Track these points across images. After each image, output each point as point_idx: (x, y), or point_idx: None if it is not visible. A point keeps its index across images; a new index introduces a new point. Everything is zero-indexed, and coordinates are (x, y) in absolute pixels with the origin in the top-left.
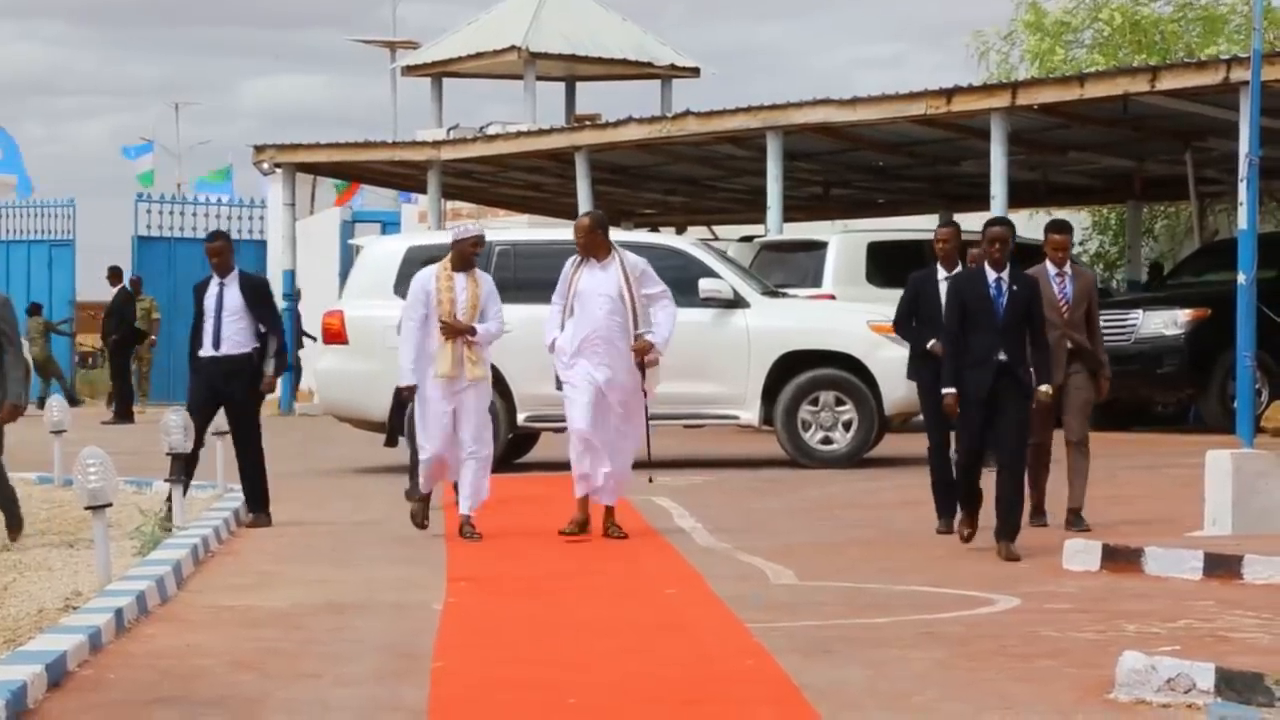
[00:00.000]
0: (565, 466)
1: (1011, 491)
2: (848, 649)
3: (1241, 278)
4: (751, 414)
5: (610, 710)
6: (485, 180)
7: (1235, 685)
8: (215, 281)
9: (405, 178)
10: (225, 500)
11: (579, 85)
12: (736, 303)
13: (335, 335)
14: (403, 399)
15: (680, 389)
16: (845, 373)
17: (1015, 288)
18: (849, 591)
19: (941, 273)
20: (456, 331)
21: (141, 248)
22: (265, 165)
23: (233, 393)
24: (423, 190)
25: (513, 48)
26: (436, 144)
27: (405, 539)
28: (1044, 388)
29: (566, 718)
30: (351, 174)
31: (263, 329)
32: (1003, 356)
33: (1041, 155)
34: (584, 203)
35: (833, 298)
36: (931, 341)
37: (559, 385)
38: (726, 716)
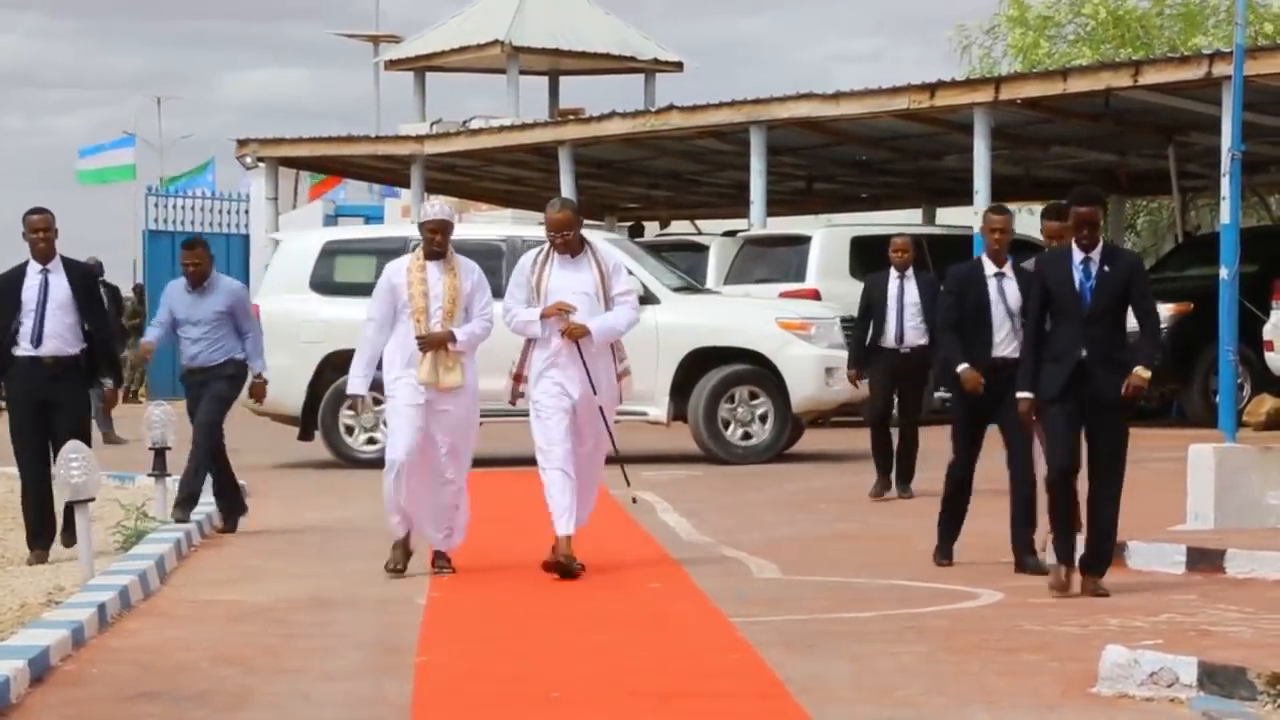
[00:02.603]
0: (535, 461)
1: (1107, 518)
2: (831, 643)
3: (1224, 272)
4: (660, 410)
5: (593, 704)
6: (468, 174)
7: (1218, 679)
8: (36, 269)
9: (388, 172)
10: (209, 494)
11: (562, 79)
12: (646, 299)
13: None
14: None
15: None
16: (757, 367)
17: (1107, 268)
18: (832, 586)
19: (990, 268)
20: (435, 344)
21: (152, 241)
22: (248, 159)
23: (59, 399)
24: (406, 184)
25: (496, 42)
26: (420, 138)
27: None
28: (1139, 369)
29: (550, 711)
30: (334, 168)
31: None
32: (1087, 351)
33: (1024, 150)
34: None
35: (817, 292)
36: (963, 366)
37: (514, 400)
38: (710, 711)
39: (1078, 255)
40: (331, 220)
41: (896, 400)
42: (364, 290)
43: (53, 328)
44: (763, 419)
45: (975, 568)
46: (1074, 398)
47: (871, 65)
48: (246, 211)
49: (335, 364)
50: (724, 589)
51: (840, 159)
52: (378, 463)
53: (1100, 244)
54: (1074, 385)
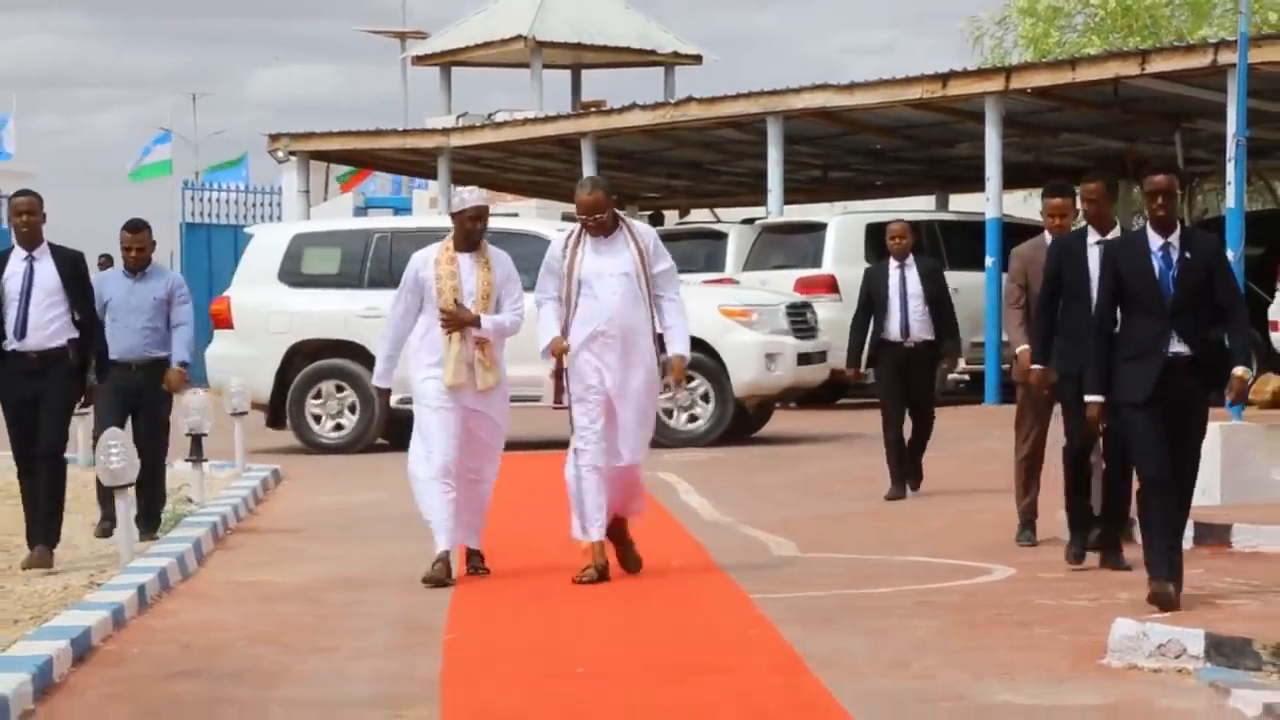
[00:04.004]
0: (543, 445)
1: (1180, 524)
2: (848, 618)
3: (1230, 255)
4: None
5: (617, 677)
6: (494, 166)
7: (1224, 650)
8: (20, 255)
9: (416, 164)
10: (244, 479)
11: (584, 73)
12: None
13: (222, 321)
14: (384, 402)
15: (529, 371)
16: (698, 354)
17: (1189, 254)
18: (849, 562)
19: (1093, 236)
20: (459, 322)
21: (188, 234)
22: (280, 153)
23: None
24: (433, 176)
25: (519, 37)
26: (446, 131)
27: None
28: (1239, 370)
29: (575, 685)
30: (364, 161)
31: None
32: (1175, 349)
33: (1035, 137)
34: None
35: (833, 278)
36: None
37: (558, 399)
38: (729, 684)
39: (1155, 241)
40: (361, 211)
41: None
42: (329, 282)
43: (38, 319)
44: (704, 399)
45: (988, 544)
46: (1161, 401)
47: (885, 56)
48: (279, 204)
49: (303, 352)
50: (743, 566)
51: (855, 148)
52: (342, 448)
53: (1178, 227)
54: (1161, 386)
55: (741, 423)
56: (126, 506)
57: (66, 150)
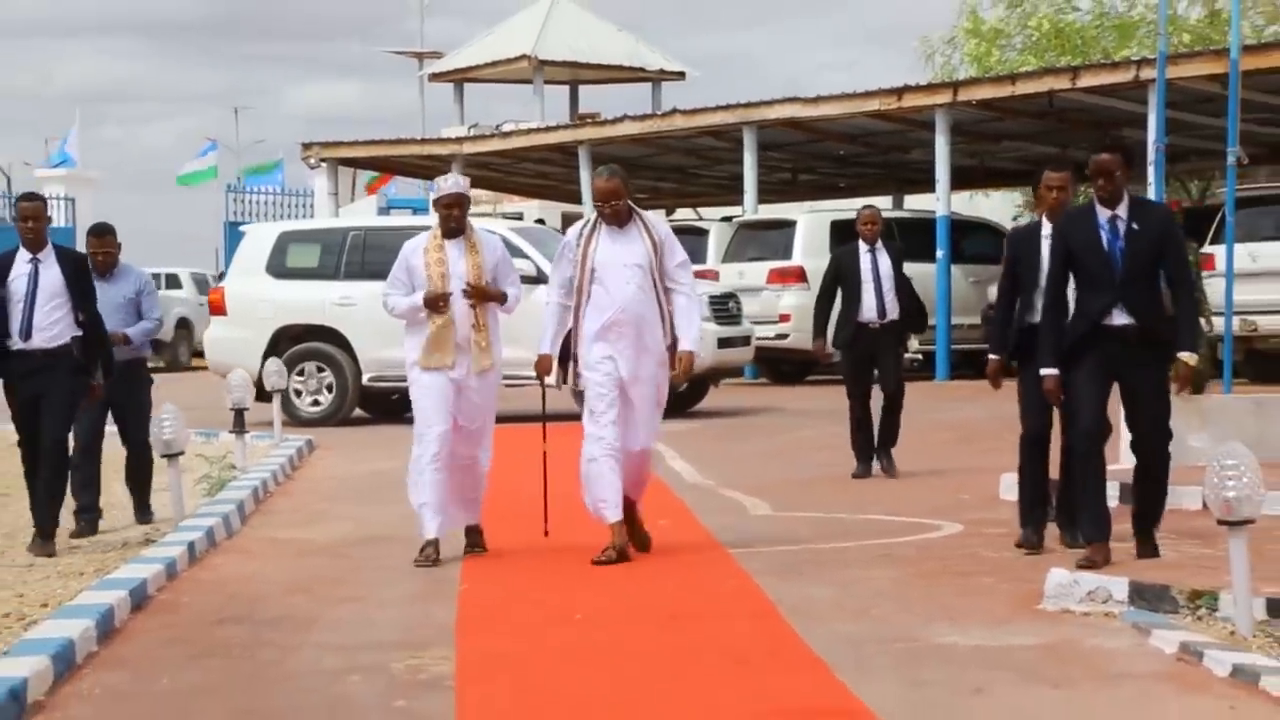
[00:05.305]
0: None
1: (1155, 493)
2: (816, 570)
3: None
4: (551, 376)
5: (611, 623)
6: (501, 171)
7: (1145, 596)
8: (25, 258)
9: (432, 169)
10: (281, 449)
11: (581, 88)
12: (539, 279)
13: (218, 308)
14: (440, 308)
15: (525, 354)
16: None
17: (1136, 225)
18: (817, 521)
19: (1047, 227)
20: (485, 296)
21: (231, 232)
22: (312, 160)
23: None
24: None
25: (524, 56)
26: (459, 140)
27: None
28: (1185, 355)
29: (573, 631)
30: (386, 166)
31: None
32: (1121, 320)
33: (979, 144)
34: (586, 190)
35: (802, 268)
36: (990, 354)
37: (565, 382)
38: (711, 630)
39: (1103, 214)
40: (384, 211)
41: (876, 373)
42: (310, 274)
43: (42, 319)
44: None
45: (939, 504)
46: (1104, 369)
47: (847, 72)
48: (311, 205)
49: (287, 335)
50: (723, 525)
51: (821, 154)
52: (320, 421)
53: (1126, 198)
54: (1108, 356)
55: (675, 400)
56: (177, 474)
57: (123, 158)
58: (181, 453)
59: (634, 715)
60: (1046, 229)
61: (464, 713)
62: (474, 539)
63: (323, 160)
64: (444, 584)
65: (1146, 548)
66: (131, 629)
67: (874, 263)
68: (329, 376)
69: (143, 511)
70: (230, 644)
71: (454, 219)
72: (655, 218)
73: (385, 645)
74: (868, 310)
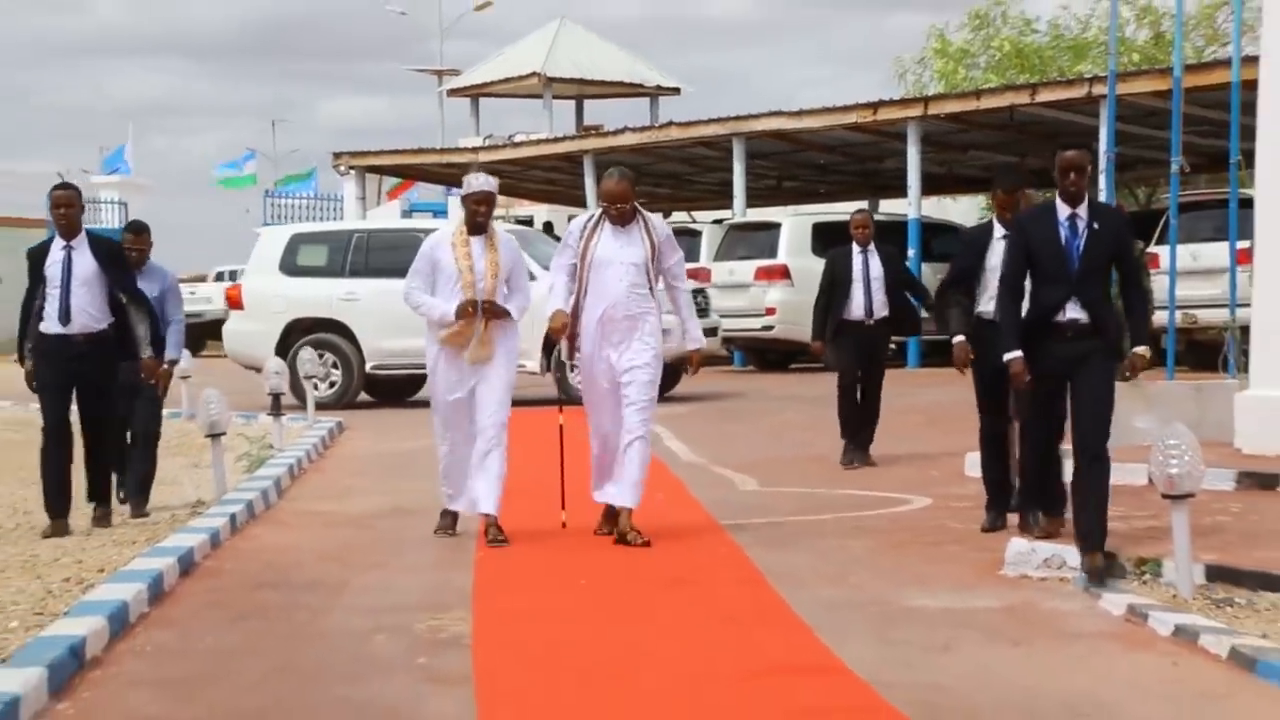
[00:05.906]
0: (545, 401)
1: (1096, 488)
2: (798, 540)
3: None
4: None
5: (612, 587)
6: (513, 177)
7: None
8: (60, 245)
9: (451, 176)
10: (315, 429)
11: (586, 102)
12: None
13: (235, 303)
14: (470, 314)
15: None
16: None
17: (1096, 225)
18: (799, 495)
19: (999, 230)
20: (496, 314)
21: None
22: (342, 168)
23: (87, 374)
24: None
25: (534, 74)
26: (475, 149)
27: None
28: (1139, 349)
29: (578, 593)
30: (409, 174)
31: (124, 299)
32: (1074, 315)
33: (947, 153)
34: (590, 195)
35: (786, 266)
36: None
37: (571, 357)
38: (704, 594)
39: (1063, 211)
40: (407, 214)
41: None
42: (318, 271)
43: (79, 304)
44: None
45: (909, 479)
46: (1056, 369)
47: (828, 88)
48: (341, 209)
49: (297, 328)
50: (715, 499)
51: (803, 162)
52: (328, 405)
53: (1087, 199)
54: (1058, 355)
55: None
56: (220, 452)
57: (170, 166)
58: (224, 433)
59: (635, 670)
60: (999, 231)
61: (480, 668)
62: (494, 533)
63: (351, 168)
64: (462, 552)
65: (1094, 568)
66: (179, 592)
67: (865, 264)
68: (336, 364)
69: (140, 501)
70: (268, 606)
71: (481, 215)
72: (657, 219)
73: (408, 608)
74: (856, 309)
